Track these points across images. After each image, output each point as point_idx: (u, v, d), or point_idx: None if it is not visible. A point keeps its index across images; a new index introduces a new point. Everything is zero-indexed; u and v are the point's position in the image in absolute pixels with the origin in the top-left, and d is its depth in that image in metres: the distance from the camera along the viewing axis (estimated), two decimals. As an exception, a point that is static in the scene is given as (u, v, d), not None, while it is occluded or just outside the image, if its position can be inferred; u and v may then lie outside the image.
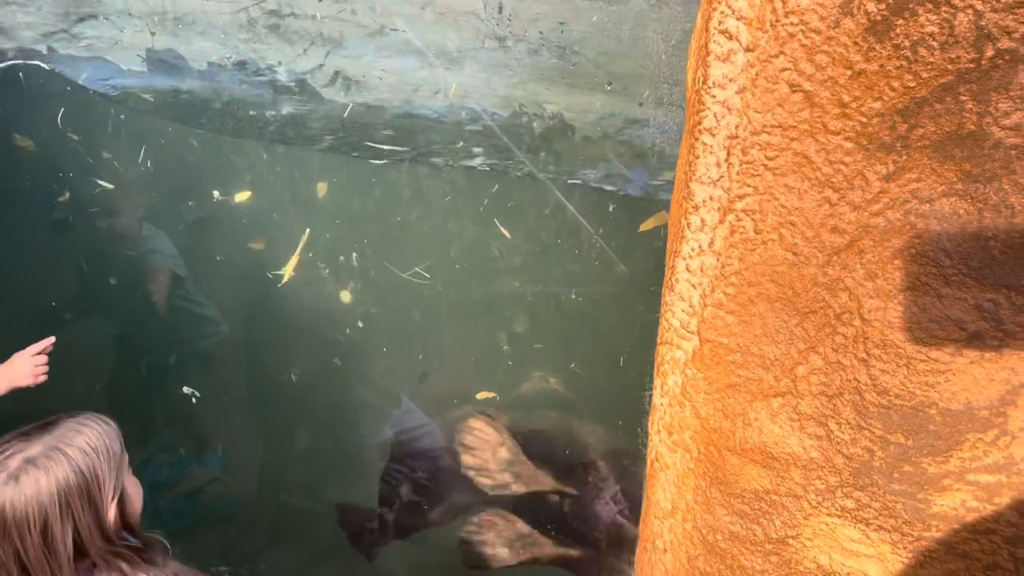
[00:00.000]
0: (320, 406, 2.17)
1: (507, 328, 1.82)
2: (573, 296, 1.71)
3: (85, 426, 1.43)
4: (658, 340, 1.23)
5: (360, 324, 1.96)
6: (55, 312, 2.31)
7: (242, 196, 1.95)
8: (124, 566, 1.44)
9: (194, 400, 2.23)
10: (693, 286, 1.12)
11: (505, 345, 1.85)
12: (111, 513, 1.42)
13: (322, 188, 1.86)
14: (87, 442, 1.40)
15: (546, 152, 1.57)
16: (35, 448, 1.37)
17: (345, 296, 1.94)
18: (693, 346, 1.16)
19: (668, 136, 1.45)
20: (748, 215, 1.03)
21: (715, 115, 1.01)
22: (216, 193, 1.95)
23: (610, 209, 1.60)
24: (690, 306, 1.14)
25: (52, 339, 1.86)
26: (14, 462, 1.35)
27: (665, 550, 1.31)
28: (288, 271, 1.96)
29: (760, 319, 1.08)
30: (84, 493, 1.37)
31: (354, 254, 1.92)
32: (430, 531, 2.18)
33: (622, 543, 1.83)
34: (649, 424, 1.28)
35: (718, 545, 1.24)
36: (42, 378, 1.79)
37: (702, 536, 1.25)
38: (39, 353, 1.85)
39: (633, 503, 1.76)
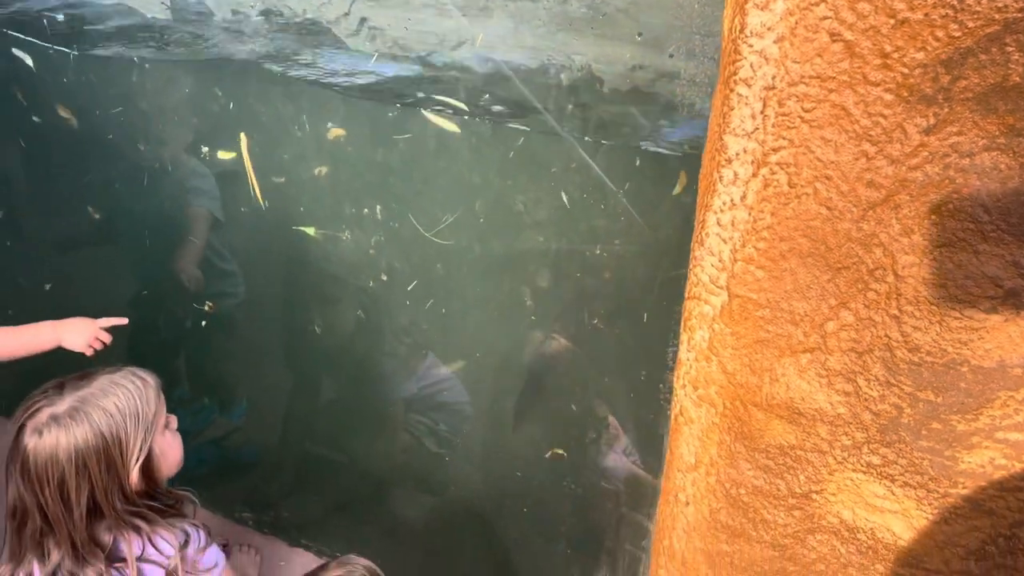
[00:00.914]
0: (344, 358, 2.18)
1: (531, 283, 1.81)
2: (598, 252, 1.70)
3: (118, 385, 1.44)
4: (685, 295, 1.22)
5: (384, 277, 1.97)
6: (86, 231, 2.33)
7: (242, 144, 1.94)
8: (142, 524, 1.46)
9: (207, 309, 2.23)
10: (723, 240, 1.11)
11: (528, 300, 1.85)
12: (133, 475, 1.45)
13: (339, 134, 1.84)
14: (115, 404, 1.42)
15: (573, 105, 1.55)
16: (63, 404, 1.39)
17: (369, 248, 1.94)
18: (722, 301, 1.16)
19: (699, 89, 1.42)
20: (782, 168, 1.02)
21: (751, 65, 0.99)
22: (242, 136, 1.94)
23: (637, 164, 1.58)
24: (720, 261, 1.13)
25: (125, 320, 1.87)
26: (42, 415, 1.38)
27: (687, 503, 1.33)
28: (256, 189, 1.95)
29: (791, 274, 1.07)
30: (103, 456, 1.39)
31: (378, 206, 1.92)
32: (449, 484, 2.20)
33: (640, 495, 1.84)
34: (674, 379, 1.28)
35: (741, 499, 1.24)
36: (91, 351, 1.80)
37: (725, 490, 1.26)
38: (107, 328, 1.86)
39: (653, 457, 1.76)
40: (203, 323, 2.30)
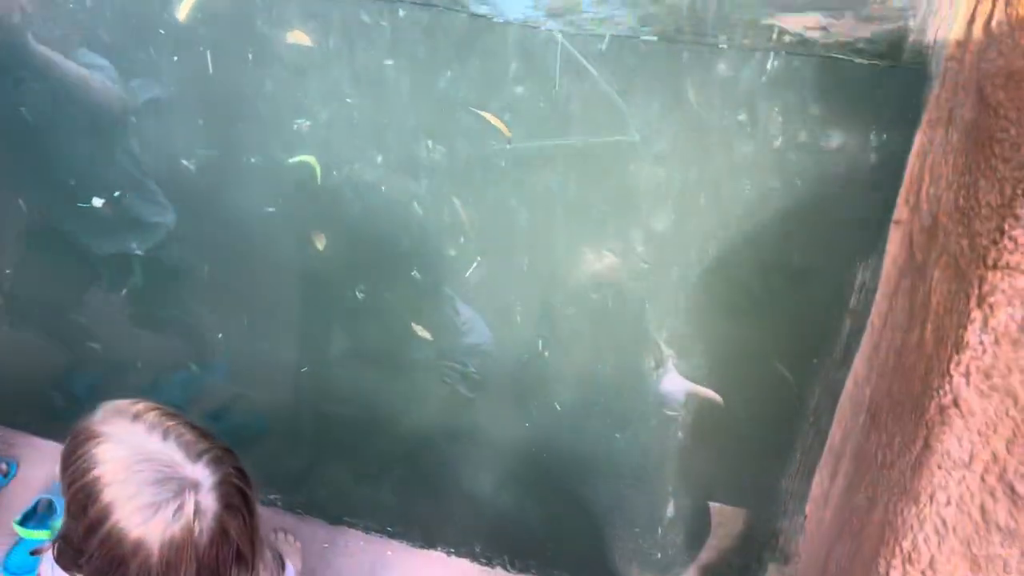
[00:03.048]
0: (357, 290, 1.86)
1: (644, 225, 1.52)
2: (747, 187, 1.41)
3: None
4: (983, 263, 0.96)
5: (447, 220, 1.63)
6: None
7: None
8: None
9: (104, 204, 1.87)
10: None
11: (639, 246, 1.56)
12: None
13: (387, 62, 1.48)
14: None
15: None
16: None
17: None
18: (1052, 273, 0.90)
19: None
20: None
21: None
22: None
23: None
24: (1062, 224, 0.87)
25: None
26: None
27: (948, 503, 1.11)
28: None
29: None
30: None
31: (428, 141, 1.57)
32: (477, 430, 1.97)
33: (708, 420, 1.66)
34: (949, 365, 1.04)
35: (1033, 499, 1.03)
36: None
37: (1009, 489, 1.05)
38: None
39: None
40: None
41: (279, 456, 2.20)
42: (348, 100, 1.58)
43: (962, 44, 1.18)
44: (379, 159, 1.63)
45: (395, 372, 1.98)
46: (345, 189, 1.70)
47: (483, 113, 1.51)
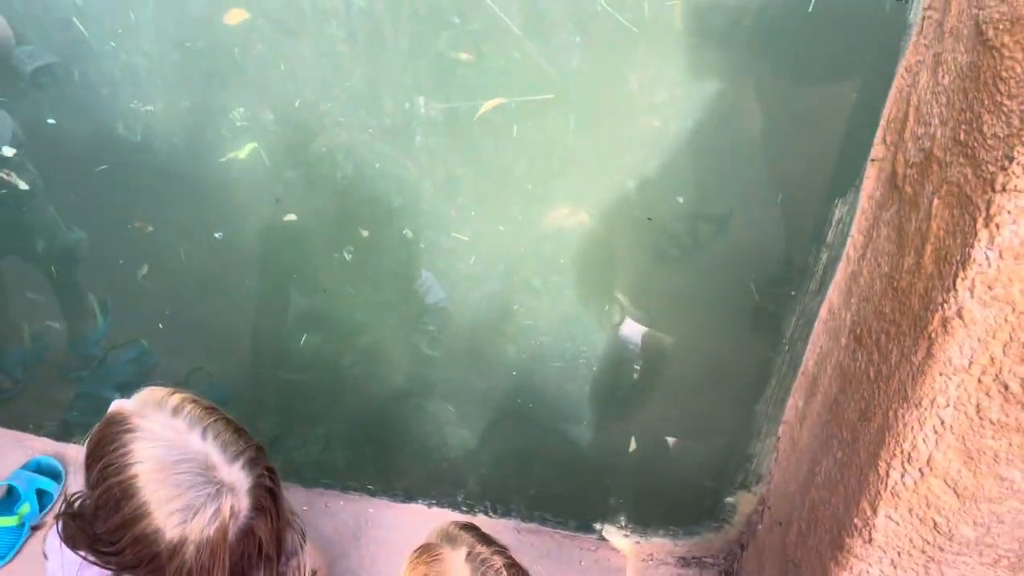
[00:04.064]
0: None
1: (637, 173, 1.60)
2: (728, 128, 1.51)
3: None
4: (991, 188, 1.09)
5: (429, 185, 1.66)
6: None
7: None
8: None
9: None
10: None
11: (632, 195, 1.63)
12: None
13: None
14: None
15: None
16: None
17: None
18: (1057, 192, 1.04)
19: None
20: None
21: None
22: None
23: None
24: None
25: None
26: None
27: (947, 405, 1.26)
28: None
29: None
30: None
31: (420, 97, 1.58)
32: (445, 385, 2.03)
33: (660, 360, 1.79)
34: (955, 280, 1.17)
35: (1024, 394, 1.19)
36: None
37: (1003, 387, 1.21)
38: None
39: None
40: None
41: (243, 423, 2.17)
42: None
43: (942, -6, 1.31)
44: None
45: (358, 335, 1.99)
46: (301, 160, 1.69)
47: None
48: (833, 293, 1.67)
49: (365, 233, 1.78)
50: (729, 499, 2.07)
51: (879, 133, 1.49)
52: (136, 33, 1.57)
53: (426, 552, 1.24)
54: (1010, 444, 1.26)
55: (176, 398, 1.20)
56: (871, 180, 1.53)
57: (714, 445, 2.00)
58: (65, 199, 1.92)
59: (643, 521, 2.15)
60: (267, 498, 1.19)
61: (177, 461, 1.12)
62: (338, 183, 1.71)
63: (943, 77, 1.27)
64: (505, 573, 1.19)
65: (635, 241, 1.71)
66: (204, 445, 1.16)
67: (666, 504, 2.13)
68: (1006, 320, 1.16)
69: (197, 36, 1.56)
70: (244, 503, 1.15)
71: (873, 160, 1.52)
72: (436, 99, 1.56)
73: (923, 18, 1.36)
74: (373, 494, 2.21)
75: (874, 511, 1.40)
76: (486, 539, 1.27)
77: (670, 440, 2.03)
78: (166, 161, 1.74)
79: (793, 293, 1.69)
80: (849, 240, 1.60)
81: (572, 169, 1.62)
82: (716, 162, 1.57)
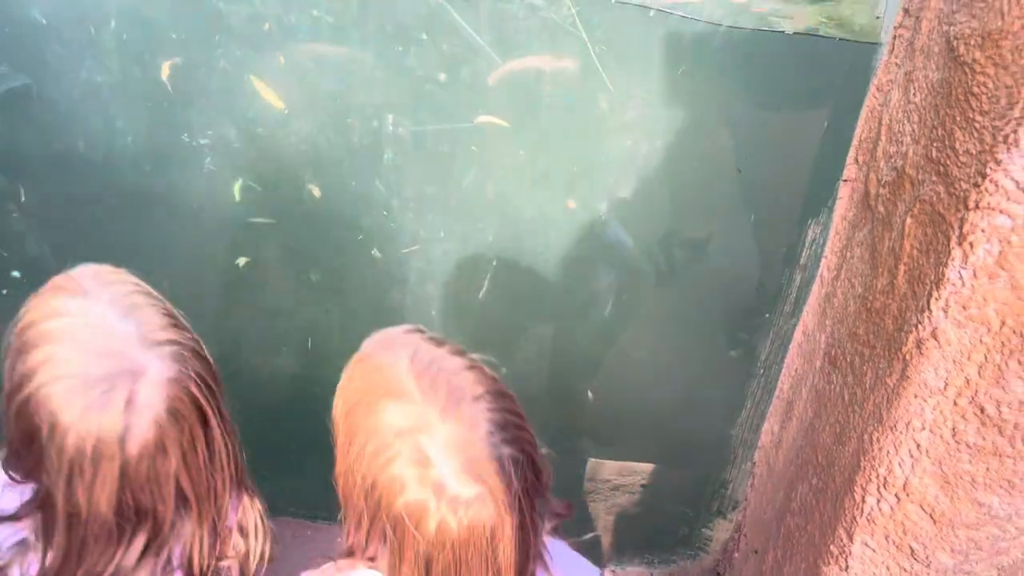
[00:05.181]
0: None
1: (610, 195, 1.57)
2: (704, 152, 1.49)
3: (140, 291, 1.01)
4: (964, 206, 1.08)
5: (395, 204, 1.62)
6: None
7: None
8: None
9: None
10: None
11: (604, 215, 1.61)
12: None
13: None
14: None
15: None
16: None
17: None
18: (1026, 211, 1.03)
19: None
20: None
21: None
22: None
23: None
24: (1038, 166, 0.99)
25: None
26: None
27: (923, 428, 1.23)
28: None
29: None
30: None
31: (389, 116, 1.55)
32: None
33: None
34: (928, 300, 1.15)
35: (1000, 415, 1.17)
36: None
37: (979, 410, 1.18)
38: None
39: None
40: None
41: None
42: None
43: (913, 13, 1.31)
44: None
45: (329, 361, 1.94)
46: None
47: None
48: (807, 315, 1.65)
49: (332, 253, 1.73)
50: (705, 529, 2.02)
51: (851, 153, 1.48)
52: (99, 50, 1.53)
53: (358, 365, 0.93)
54: (987, 468, 1.23)
55: (118, 274, 1.02)
56: (844, 200, 1.52)
57: (689, 471, 1.96)
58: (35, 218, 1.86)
59: (619, 549, 2.10)
60: (188, 405, 0.95)
61: (88, 326, 0.94)
62: (304, 201, 1.67)
63: (914, 95, 1.25)
64: (466, 376, 0.88)
65: (608, 264, 1.68)
66: (124, 322, 0.95)
67: (641, 532, 2.08)
68: (981, 341, 1.14)
69: (161, 54, 1.52)
70: (153, 398, 0.91)
71: (846, 180, 1.50)
72: (405, 117, 1.53)
73: (894, 37, 1.35)
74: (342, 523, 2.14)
75: (850, 538, 1.37)
76: (436, 340, 0.93)
77: (645, 466, 1.99)
78: (133, 182, 1.69)
79: (767, 316, 1.66)
80: (823, 261, 1.58)
81: (543, 191, 1.59)
82: (687, 184, 1.55)
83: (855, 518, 1.35)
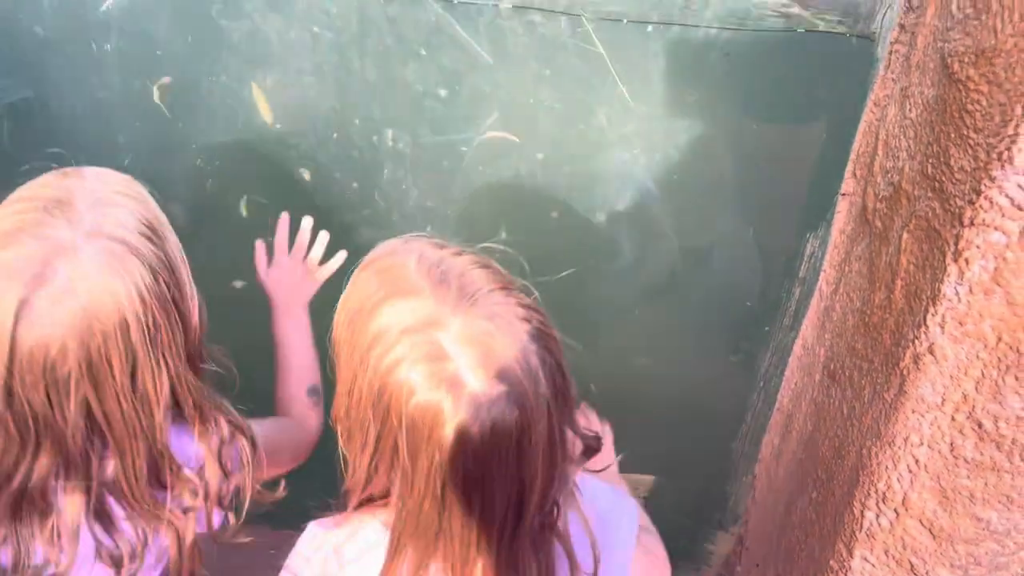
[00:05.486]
0: None
1: (608, 208, 1.57)
2: (702, 164, 1.49)
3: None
4: (959, 222, 1.08)
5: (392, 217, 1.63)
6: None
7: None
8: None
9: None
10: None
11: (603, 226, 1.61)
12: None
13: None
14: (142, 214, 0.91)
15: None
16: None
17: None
18: (1021, 227, 1.03)
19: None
20: None
21: None
22: None
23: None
24: (1032, 183, 1.00)
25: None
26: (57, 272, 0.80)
27: (921, 443, 1.23)
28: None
29: None
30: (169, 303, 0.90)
31: (389, 130, 1.56)
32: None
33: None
34: (925, 316, 1.15)
35: (998, 431, 1.17)
36: None
37: (977, 425, 1.18)
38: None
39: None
40: None
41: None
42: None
43: (908, 29, 1.31)
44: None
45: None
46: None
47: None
48: (806, 328, 1.65)
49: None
50: (707, 544, 2.02)
51: (849, 167, 1.48)
52: (99, 64, 1.55)
53: (359, 274, 0.83)
54: (986, 484, 1.23)
55: (117, 176, 0.93)
56: (842, 214, 1.52)
57: (690, 484, 1.96)
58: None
59: (619, 562, 2.10)
60: (112, 316, 0.78)
61: (37, 185, 0.85)
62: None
63: (910, 111, 1.26)
64: (479, 272, 0.79)
65: (606, 277, 1.68)
66: (90, 214, 0.82)
67: (642, 545, 2.07)
68: (978, 356, 1.14)
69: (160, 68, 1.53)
70: (68, 294, 0.77)
71: (843, 194, 1.51)
72: (405, 131, 1.55)
73: (890, 52, 1.36)
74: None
75: (850, 553, 1.37)
76: (442, 244, 0.84)
77: (646, 479, 1.99)
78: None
79: (767, 329, 1.67)
80: (821, 275, 1.59)
81: (542, 205, 1.59)
82: (687, 198, 1.55)
83: (854, 533, 1.35)
